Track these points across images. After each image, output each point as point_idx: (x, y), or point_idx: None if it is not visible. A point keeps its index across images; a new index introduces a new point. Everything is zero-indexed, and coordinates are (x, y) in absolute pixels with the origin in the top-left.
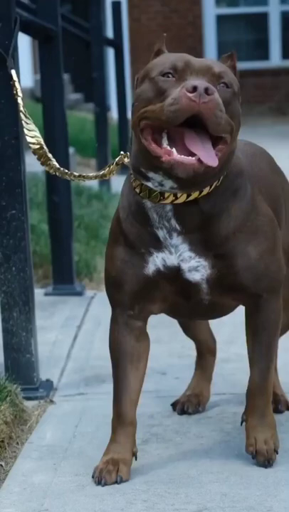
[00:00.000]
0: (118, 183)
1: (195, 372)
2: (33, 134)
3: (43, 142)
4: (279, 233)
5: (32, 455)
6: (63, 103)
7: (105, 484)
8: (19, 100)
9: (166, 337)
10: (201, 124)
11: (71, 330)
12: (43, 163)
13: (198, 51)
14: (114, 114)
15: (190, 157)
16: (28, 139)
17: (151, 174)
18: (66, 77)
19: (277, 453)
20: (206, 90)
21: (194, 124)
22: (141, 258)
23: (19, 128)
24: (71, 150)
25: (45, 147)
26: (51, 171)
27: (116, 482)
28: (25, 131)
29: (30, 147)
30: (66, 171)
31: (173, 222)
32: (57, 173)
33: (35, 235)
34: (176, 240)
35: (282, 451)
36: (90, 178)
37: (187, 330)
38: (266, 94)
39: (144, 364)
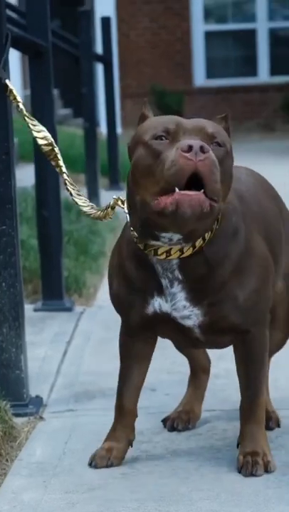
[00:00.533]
0: (107, 198)
1: (187, 389)
2: (42, 134)
3: (52, 140)
4: (272, 269)
5: (22, 472)
6: (53, 118)
7: (95, 467)
8: (21, 106)
9: (155, 353)
10: (196, 187)
11: (61, 345)
12: (56, 167)
13: (186, 67)
14: (103, 129)
15: (194, 191)
16: (39, 141)
17: (159, 235)
18: (55, 92)
19: (268, 471)
20: (202, 148)
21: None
22: (143, 298)
23: (9, 143)
24: None
25: (56, 149)
26: (58, 171)
27: (106, 466)
28: (34, 134)
29: (42, 148)
30: (69, 181)
31: (176, 273)
32: (63, 177)
33: (25, 250)
34: (176, 288)
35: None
36: (84, 212)
37: (181, 347)
38: (254, 110)
39: (147, 363)
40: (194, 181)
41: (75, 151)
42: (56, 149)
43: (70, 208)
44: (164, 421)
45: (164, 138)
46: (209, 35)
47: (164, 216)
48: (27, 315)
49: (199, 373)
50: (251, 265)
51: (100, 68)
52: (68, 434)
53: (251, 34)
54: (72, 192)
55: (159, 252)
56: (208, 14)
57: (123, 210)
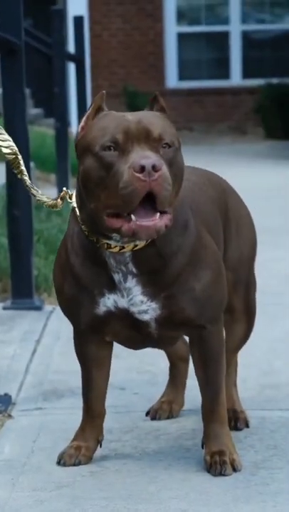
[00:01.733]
0: None
1: (168, 379)
2: (7, 143)
3: (17, 151)
4: (222, 262)
5: None
6: (25, 117)
7: (64, 465)
8: None
9: (124, 352)
10: (147, 196)
11: (30, 344)
12: (18, 174)
13: (159, 69)
14: (74, 129)
15: (151, 220)
16: (3, 150)
17: (110, 235)
18: (27, 91)
19: (235, 470)
20: (154, 167)
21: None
22: (92, 298)
23: None
24: (31, 164)
25: (19, 157)
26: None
27: (74, 464)
28: (0, 143)
29: (6, 157)
30: (32, 187)
31: (130, 266)
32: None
33: None
34: (130, 282)
35: (242, 468)
36: (45, 203)
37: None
38: (226, 112)
39: (107, 365)
40: (147, 195)
41: (46, 150)
42: (20, 157)
43: (40, 207)
44: (148, 413)
45: (112, 149)
46: (182, 37)
47: (119, 233)
48: None
49: (177, 362)
50: (204, 257)
51: (71, 68)
52: (37, 432)
53: (224, 36)
54: (32, 189)
55: (112, 246)
56: (181, 16)
57: (70, 204)
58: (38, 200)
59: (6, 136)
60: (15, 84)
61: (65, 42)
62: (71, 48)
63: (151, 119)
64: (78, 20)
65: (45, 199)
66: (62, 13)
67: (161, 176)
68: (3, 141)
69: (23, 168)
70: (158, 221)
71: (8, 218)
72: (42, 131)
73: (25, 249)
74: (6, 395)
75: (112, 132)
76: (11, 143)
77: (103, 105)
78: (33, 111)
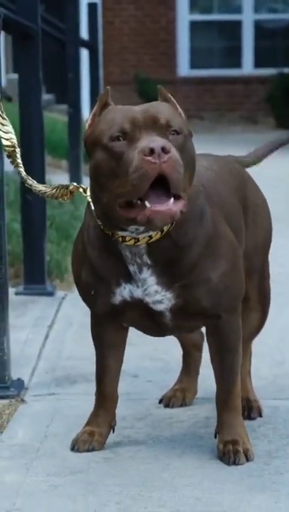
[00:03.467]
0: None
1: (182, 367)
2: (8, 136)
3: (16, 145)
4: (239, 252)
5: (3, 454)
6: (40, 102)
7: (78, 451)
8: None
9: (137, 339)
10: (159, 181)
11: (42, 330)
12: (15, 167)
13: (170, 57)
14: (85, 115)
15: (165, 205)
16: (4, 142)
17: (126, 227)
18: None
19: (248, 459)
20: (163, 149)
21: (152, 183)
22: (108, 287)
23: None
24: None
25: (17, 150)
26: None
27: (88, 450)
28: (1, 134)
29: (4, 149)
30: (29, 179)
31: (145, 257)
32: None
33: (7, 234)
34: (145, 273)
35: (256, 457)
36: (44, 193)
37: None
38: (237, 102)
39: (122, 349)
40: (159, 179)
41: (57, 136)
42: (17, 150)
43: None
44: (161, 400)
45: (121, 138)
46: (194, 25)
47: (134, 223)
48: (8, 299)
49: (191, 350)
50: (220, 247)
51: (83, 54)
52: (50, 417)
53: (236, 25)
54: (28, 180)
55: (128, 239)
56: (194, 4)
57: (86, 198)
58: (35, 190)
59: (9, 129)
60: (30, 69)
61: (78, 28)
62: (83, 34)
63: (158, 108)
64: (92, 7)
65: (42, 188)
66: (76, 0)
67: (171, 158)
68: (5, 132)
69: (19, 161)
70: (172, 206)
71: (22, 203)
72: (53, 117)
73: (38, 235)
74: (18, 379)
75: (119, 123)
76: (12, 135)
77: (109, 100)
78: (45, 96)
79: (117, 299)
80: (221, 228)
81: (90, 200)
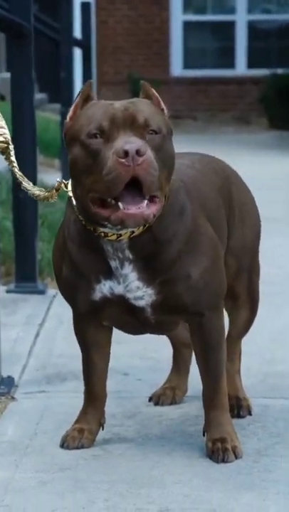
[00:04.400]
0: None
1: (172, 365)
2: (1, 131)
3: (10, 141)
4: (220, 249)
5: None
6: (33, 101)
7: (67, 448)
8: None
9: (127, 338)
10: (134, 182)
11: (33, 328)
12: (9, 164)
13: (164, 57)
14: None
15: (138, 208)
16: None
17: (103, 223)
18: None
19: (236, 457)
20: (138, 152)
21: (127, 183)
22: (88, 284)
23: None
24: None
25: (10, 147)
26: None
27: (77, 447)
28: None
29: None
30: (24, 182)
31: (127, 252)
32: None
33: None
34: (127, 269)
35: (245, 455)
36: (38, 197)
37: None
38: (230, 102)
39: (107, 347)
40: (134, 180)
41: (50, 135)
42: (11, 147)
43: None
44: (151, 398)
45: (98, 136)
46: (188, 26)
47: (107, 222)
48: None
49: (181, 348)
50: (201, 244)
51: (76, 54)
52: (40, 414)
53: (230, 26)
54: (23, 181)
55: (110, 234)
56: (188, 4)
57: (67, 193)
58: (31, 193)
59: (3, 124)
60: (23, 68)
61: (72, 28)
62: (77, 33)
63: (139, 106)
64: (86, 6)
65: (36, 191)
66: None
67: (145, 161)
68: None
69: (13, 159)
70: (145, 209)
71: (14, 202)
72: (46, 116)
73: (29, 233)
74: (9, 377)
75: (98, 120)
76: (6, 131)
77: (92, 94)
78: (37, 96)
79: (97, 295)
80: (201, 225)
81: (71, 195)
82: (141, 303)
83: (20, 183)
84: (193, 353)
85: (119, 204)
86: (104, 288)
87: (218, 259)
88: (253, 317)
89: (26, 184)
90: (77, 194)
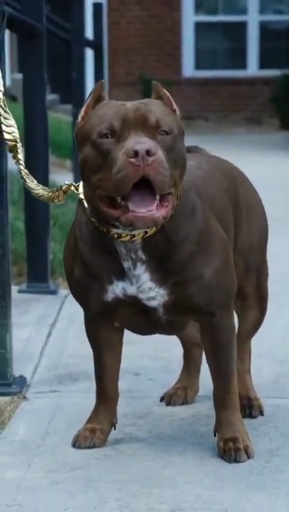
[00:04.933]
0: None
1: (183, 365)
2: (10, 130)
3: (18, 139)
4: (230, 249)
5: (5, 450)
6: (45, 102)
7: (79, 447)
8: (0, 95)
9: (138, 338)
10: (145, 182)
11: (44, 328)
12: (16, 162)
13: (175, 57)
14: None
15: (148, 210)
16: (6, 136)
17: (116, 224)
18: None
19: (248, 457)
20: (148, 152)
21: (137, 184)
22: (100, 285)
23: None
24: None
25: (18, 145)
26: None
27: (89, 447)
28: (4, 128)
29: (6, 143)
30: (28, 180)
31: (140, 252)
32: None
33: (11, 232)
34: (140, 269)
35: (256, 455)
36: (41, 197)
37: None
38: (242, 103)
39: (119, 348)
40: (144, 180)
41: (61, 136)
42: (19, 145)
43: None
44: (162, 398)
45: (109, 136)
46: (199, 26)
47: (117, 222)
48: (11, 296)
49: (191, 348)
50: (212, 244)
51: (88, 54)
52: (52, 414)
53: (241, 26)
54: (27, 179)
55: (123, 235)
56: (199, 5)
57: (78, 196)
58: (34, 193)
59: (12, 122)
60: (35, 68)
61: (84, 28)
62: (89, 34)
63: (150, 107)
64: (97, 7)
65: (40, 191)
66: (81, 0)
67: (155, 161)
68: (7, 126)
69: (20, 156)
70: (155, 212)
71: (25, 202)
72: (58, 117)
73: (41, 233)
74: (21, 377)
75: (109, 120)
76: (15, 129)
77: (103, 94)
78: (49, 96)
79: (110, 296)
80: (212, 225)
81: (82, 197)
82: (153, 303)
83: (25, 181)
84: (204, 353)
85: (129, 205)
86: (117, 289)
87: (229, 259)
88: (262, 316)
89: (30, 183)
90: (87, 195)
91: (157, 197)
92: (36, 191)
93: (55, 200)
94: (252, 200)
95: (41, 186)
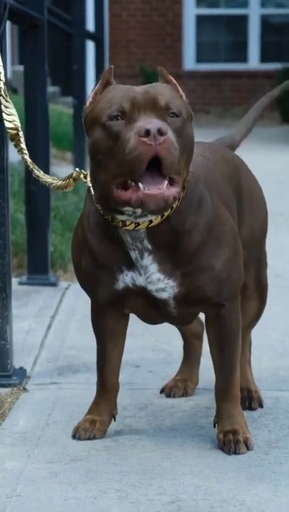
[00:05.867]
0: None
1: (183, 357)
2: (11, 118)
3: (20, 128)
4: (239, 239)
5: (5, 441)
6: (46, 94)
7: (79, 439)
8: (1, 84)
9: (139, 330)
10: (155, 163)
11: (45, 320)
12: (18, 151)
13: (176, 50)
14: None
15: (158, 188)
16: (6, 124)
17: (123, 209)
18: None
19: (248, 449)
20: (159, 131)
21: (148, 165)
22: (110, 274)
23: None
24: None
25: (20, 133)
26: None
27: (89, 438)
28: (4, 116)
29: (7, 131)
30: (35, 169)
31: (145, 242)
32: (27, 163)
33: (11, 224)
34: (147, 260)
35: (256, 447)
36: (51, 185)
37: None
38: (243, 96)
39: (122, 339)
40: (154, 161)
41: (62, 128)
42: (21, 134)
43: None
44: (163, 390)
45: (119, 118)
46: (201, 19)
47: (128, 205)
48: (12, 288)
49: (191, 340)
50: (222, 235)
51: (89, 47)
52: (52, 405)
53: (243, 20)
54: (34, 168)
55: (128, 223)
56: None
57: (86, 184)
58: (42, 181)
59: (13, 111)
60: (36, 60)
61: (85, 21)
62: (90, 26)
63: (159, 89)
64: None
65: (49, 179)
66: None
67: (166, 140)
68: (8, 115)
69: (23, 146)
70: (165, 190)
71: (26, 194)
72: (58, 109)
73: (42, 226)
74: (21, 368)
75: (118, 102)
76: (16, 118)
77: (111, 80)
78: (50, 89)
79: (120, 285)
80: (222, 215)
81: (90, 185)
82: (163, 295)
83: (32, 170)
84: (207, 345)
85: (140, 185)
86: (127, 278)
87: (239, 249)
88: (262, 307)
89: (37, 172)
90: (97, 180)
91: (167, 177)
92: (45, 180)
93: (67, 188)
94: (254, 190)
95: (49, 176)
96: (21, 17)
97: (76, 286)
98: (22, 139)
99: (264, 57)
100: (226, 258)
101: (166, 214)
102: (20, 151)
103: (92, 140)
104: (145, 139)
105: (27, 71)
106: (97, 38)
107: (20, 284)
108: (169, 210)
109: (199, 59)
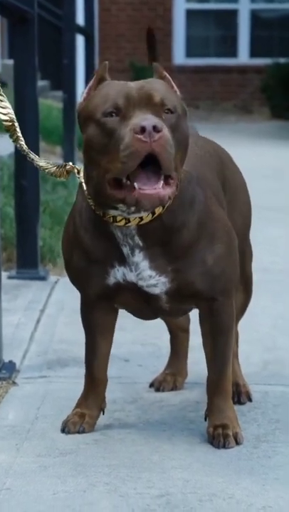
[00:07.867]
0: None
1: (170, 351)
2: (6, 110)
3: (15, 119)
4: (234, 234)
5: None
6: (36, 88)
7: (68, 432)
8: None
9: (129, 325)
10: (150, 161)
11: (34, 313)
12: (14, 141)
13: (166, 45)
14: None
15: (154, 188)
16: (1, 116)
17: (116, 205)
18: None
19: (237, 443)
20: (155, 128)
21: (143, 163)
22: (102, 269)
23: None
24: None
25: (16, 124)
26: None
27: (78, 432)
28: None
29: (2, 124)
30: (31, 153)
31: (136, 239)
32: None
33: (0, 218)
34: (138, 256)
35: (245, 441)
36: (45, 169)
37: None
38: (232, 91)
39: (111, 333)
40: (150, 159)
41: (52, 122)
42: (16, 124)
43: (46, 178)
44: (152, 384)
45: (114, 114)
46: (190, 14)
47: (122, 203)
48: (1, 282)
49: (178, 333)
50: (214, 230)
51: (79, 41)
52: (41, 399)
53: (233, 14)
54: (30, 155)
55: (118, 219)
56: None
57: (78, 179)
58: (36, 164)
59: (7, 104)
60: (26, 54)
61: (75, 15)
62: (80, 20)
63: (154, 85)
64: None
65: (42, 163)
66: None
67: (162, 137)
68: (2, 107)
69: (19, 134)
70: (161, 190)
71: (16, 188)
72: (48, 103)
73: (31, 220)
74: (10, 362)
75: (113, 98)
76: (10, 110)
77: (106, 75)
78: (40, 83)
79: (111, 280)
80: (214, 211)
81: (82, 181)
82: (155, 290)
83: (27, 154)
84: (196, 339)
85: (135, 184)
86: (118, 274)
87: (233, 245)
88: (248, 300)
89: (32, 155)
90: (91, 176)
91: (162, 175)
92: (40, 163)
93: (60, 177)
94: (238, 184)
95: (44, 160)
96: (11, 11)
97: (65, 280)
98: (18, 129)
99: (254, 52)
100: (219, 253)
101: (157, 212)
102: (17, 139)
103: (87, 137)
104: (140, 136)
105: (17, 65)
106: (87, 32)
107: (10, 278)
108: (161, 208)
109: (189, 54)
